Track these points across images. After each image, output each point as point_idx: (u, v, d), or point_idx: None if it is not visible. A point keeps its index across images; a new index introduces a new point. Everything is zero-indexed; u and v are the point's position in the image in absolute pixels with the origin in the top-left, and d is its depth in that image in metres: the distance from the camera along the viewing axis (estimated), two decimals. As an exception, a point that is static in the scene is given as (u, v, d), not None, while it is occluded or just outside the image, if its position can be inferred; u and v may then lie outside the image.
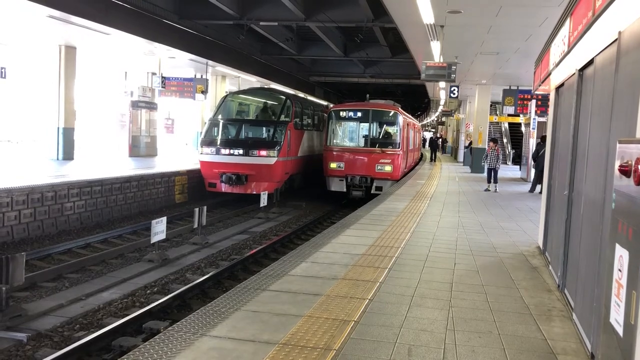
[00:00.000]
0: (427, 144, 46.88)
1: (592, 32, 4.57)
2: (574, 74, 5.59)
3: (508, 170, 25.62)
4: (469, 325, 4.61)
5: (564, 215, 5.69)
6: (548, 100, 10.89)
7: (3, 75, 17.61)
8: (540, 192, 16.31)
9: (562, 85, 6.83)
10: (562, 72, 6.60)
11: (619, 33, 3.66)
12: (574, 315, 4.82)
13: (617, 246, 2.69)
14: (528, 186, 17.67)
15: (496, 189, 16.31)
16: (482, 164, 18.41)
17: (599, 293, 3.71)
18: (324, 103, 33.64)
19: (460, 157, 32.00)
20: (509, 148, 34.41)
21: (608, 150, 3.81)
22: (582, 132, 5.22)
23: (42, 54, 19.20)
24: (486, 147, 24.15)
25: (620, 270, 2.62)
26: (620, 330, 2.57)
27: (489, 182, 16.68)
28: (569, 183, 5.59)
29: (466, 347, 4.14)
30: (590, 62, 4.81)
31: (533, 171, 18.63)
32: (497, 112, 32.26)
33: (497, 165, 16.65)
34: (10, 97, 25.99)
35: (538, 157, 16.78)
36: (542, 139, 17.37)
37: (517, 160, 29.06)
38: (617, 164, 2.70)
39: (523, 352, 4.09)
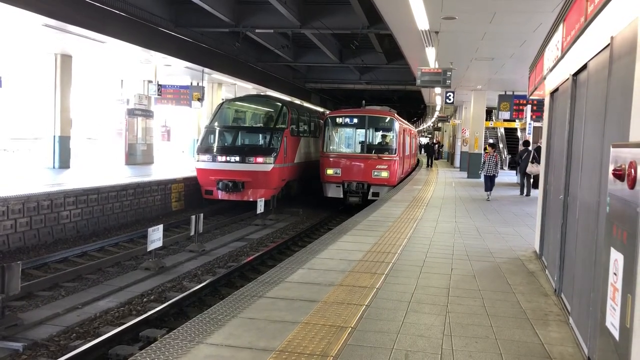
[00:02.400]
0: (423, 149, 46.98)
1: (584, 37, 4.61)
2: (568, 79, 5.62)
3: (504, 176, 25.65)
4: (466, 331, 4.61)
5: (560, 219, 5.70)
6: (543, 105, 10.95)
7: (-1, 84, 17.60)
8: (527, 194, 16.87)
9: (556, 90, 6.87)
10: (556, 77, 6.63)
11: (611, 38, 3.69)
12: (570, 319, 4.82)
13: (612, 250, 2.70)
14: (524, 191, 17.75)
15: (489, 197, 15.46)
16: (480, 172, 17.25)
17: (595, 297, 3.72)
18: (320, 110, 33.68)
19: (457, 163, 32.05)
20: (505, 153, 34.51)
21: (602, 154, 3.83)
22: (576, 136, 5.24)
23: (38, 63, 19.20)
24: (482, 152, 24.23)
25: (615, 274, 2.62)
26: (616, 333, 2.58)
27: (486, 190, 15.67)
28: (564, 187, 5.61)
29: (463, 352, 4.13)
30: (584, 67, 4.84)
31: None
32: (493, 118, 32.36)
33: (496, 173, 15.67)
34: (6, 106, 25.96)
35: (521, 161, 17.34)
36: (524, 144, 17.79)
37: (514, 165, 29.14)
38: (611, 168, 2.71)
39: (520, 357, 4.08)
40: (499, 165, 15.99)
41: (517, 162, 18.30)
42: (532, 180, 16.90)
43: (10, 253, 10.49)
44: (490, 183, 15.64)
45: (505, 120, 25.37)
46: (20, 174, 15.61)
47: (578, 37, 4.71)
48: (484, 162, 15.96)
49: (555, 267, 5.90)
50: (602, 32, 3.98)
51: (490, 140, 29.74)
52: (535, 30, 11.02)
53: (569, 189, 5.47)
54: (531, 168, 16.24)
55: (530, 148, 17.30)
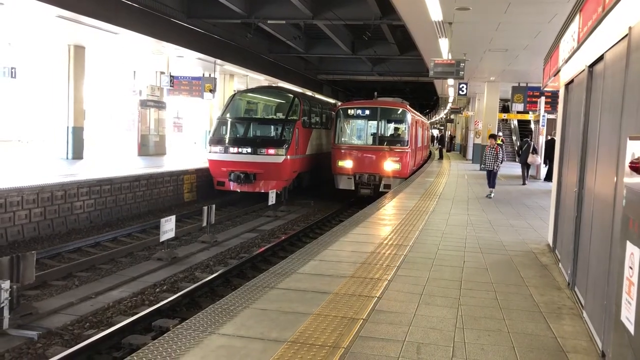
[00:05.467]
0: (435, 141, 46.76)
1: (602, 28, 4.53)
2: (584, 70, 5.54)
3: (517, 168, 25.46)
4: (479, 324, 4.59)
5: (574, 212, 5.65)
6: (557, 97, 10.80)
7: (13, 75, 17.76)
8: (523, 183, 17.58)
9: (571, 81, 6.78)
10: (572, 68, 6.55)
11: (630, 29, 3.62)
12: (584, 313, 4.79)
13: (628, 243, 2.66)
14: (537, 184, 17.78)
15: (491, 195, 13.74)
16: (481, 166, 16.34)
17: (609, 291, 3.68)
18: (332, 101, 33.60)
19: (469, 155, 31.87)
20: (518, 145, 34.25)
21: (619, 147, 3.78)
22: (592, 128, 5.18)
23: (51, 54, 19.32)
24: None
25: (631, 267, 2.59)
26: (631, 328, 2.55)
27: (490, 186, 14.04)
28: (578, 180, 5.55)
29: (475, 345, 4.12)
30: (600, 58, 4.77)
31: (545, 168, 19.16)
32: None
33: (495, 167, 13.77)
34: (20, 97, 26.18)
35: (522, 152, 18.59)
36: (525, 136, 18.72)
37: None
38: (628, 160, 2.67)
39: (533, 350, 4.06)
40: (499, 159, 13.89)
41: (517, 154, 19.52)
42: (529, 170, 18.52)
43: (24, 243, 10.61)
44: (490, 179, 14.02)
45: (518, 112, 25.10)
46: (34, 164, 15.76)
47: (595, 27, 4.63)
48: (485, 155, 14.27)
49: (569, 261, 5.85)
50: (620, 22, 3.91)
51: (492, 132, 29.60)
52: (550, 20, 10.89)
53: (584, 181, 5.41)
54: (531, 159, 17.96)
55: (530, 140, 18.85)
